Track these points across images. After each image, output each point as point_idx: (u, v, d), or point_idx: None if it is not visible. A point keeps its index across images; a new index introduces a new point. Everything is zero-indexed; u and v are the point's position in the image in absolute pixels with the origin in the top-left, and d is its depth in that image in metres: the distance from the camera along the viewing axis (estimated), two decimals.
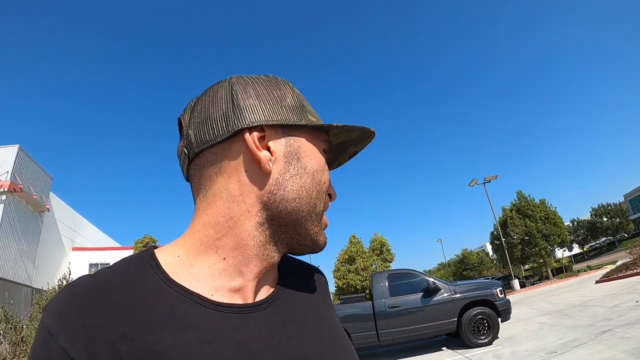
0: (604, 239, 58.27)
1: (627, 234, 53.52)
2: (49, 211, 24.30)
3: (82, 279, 0.46)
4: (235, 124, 0.50)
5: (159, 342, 0.41)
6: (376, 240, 28.03)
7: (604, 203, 55.04)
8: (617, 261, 22.86)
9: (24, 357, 4.51)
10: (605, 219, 53.67)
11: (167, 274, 0.48)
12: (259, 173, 0.51)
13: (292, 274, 0.61)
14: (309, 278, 0.64)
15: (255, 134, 0.50)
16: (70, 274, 5.51)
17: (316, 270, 0.68)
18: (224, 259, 0.50)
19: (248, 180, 0.51)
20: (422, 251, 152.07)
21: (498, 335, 8.25)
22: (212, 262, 0.50)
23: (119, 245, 34.34)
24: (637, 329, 6.24)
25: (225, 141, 0.51)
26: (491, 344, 8.00)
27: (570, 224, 56.87)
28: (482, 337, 8.06)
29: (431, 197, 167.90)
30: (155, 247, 0.53)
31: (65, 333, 0.40)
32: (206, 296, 0.47)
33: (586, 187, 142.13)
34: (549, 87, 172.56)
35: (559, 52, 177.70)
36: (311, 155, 0.54)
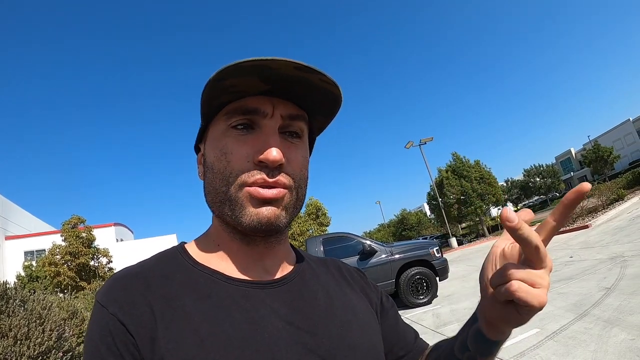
0: (536, 198, 61.99)
1: (559, 194, 57.24)
2: None
3: (124, 268, 0.58)
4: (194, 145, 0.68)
5: (183, 307, 0.52)
6: (311, 205, 27.72)
7: (536, 164, 58.06)
8: None
9: None
10: (538, 179, 56.76)
11: (193, 257, 0.60)
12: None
13: (309, 263, 0.71)
14: (325, 266, 0.74)
15: (201, 153, 0.65)
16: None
17: (336, 261, 0.79)
18: (225, 246, 0.61)
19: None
20: (361, 213, 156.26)
21: (437, 294, 8.18)
22: (222, 250, 0.61)
23: (54, 229, 31.92)
24: (573, 285, 6.17)
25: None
26: (430, 303, 7.90)
27: (505, 184, 59.88)
28: (421, 297, 7.98)
29: (369, 160, 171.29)
30: (185, 243, 0.65)
31: (113, 303, 0.51)
32: (225, 274, 0.58)
33: (519, 149, 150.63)
34: (484, 52, 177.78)
35: (495, 14, 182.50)
36: (211, 148, 0.60)
